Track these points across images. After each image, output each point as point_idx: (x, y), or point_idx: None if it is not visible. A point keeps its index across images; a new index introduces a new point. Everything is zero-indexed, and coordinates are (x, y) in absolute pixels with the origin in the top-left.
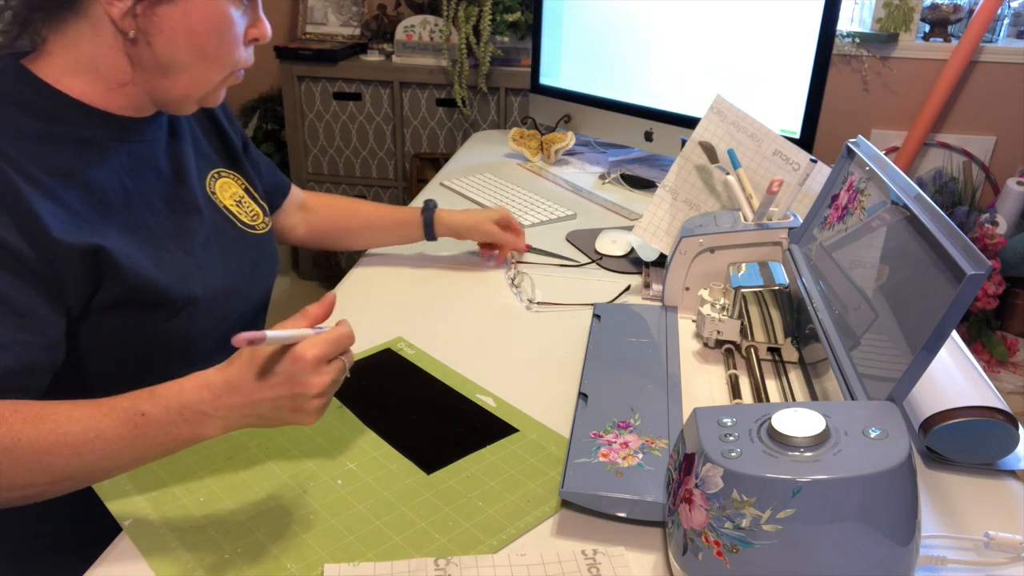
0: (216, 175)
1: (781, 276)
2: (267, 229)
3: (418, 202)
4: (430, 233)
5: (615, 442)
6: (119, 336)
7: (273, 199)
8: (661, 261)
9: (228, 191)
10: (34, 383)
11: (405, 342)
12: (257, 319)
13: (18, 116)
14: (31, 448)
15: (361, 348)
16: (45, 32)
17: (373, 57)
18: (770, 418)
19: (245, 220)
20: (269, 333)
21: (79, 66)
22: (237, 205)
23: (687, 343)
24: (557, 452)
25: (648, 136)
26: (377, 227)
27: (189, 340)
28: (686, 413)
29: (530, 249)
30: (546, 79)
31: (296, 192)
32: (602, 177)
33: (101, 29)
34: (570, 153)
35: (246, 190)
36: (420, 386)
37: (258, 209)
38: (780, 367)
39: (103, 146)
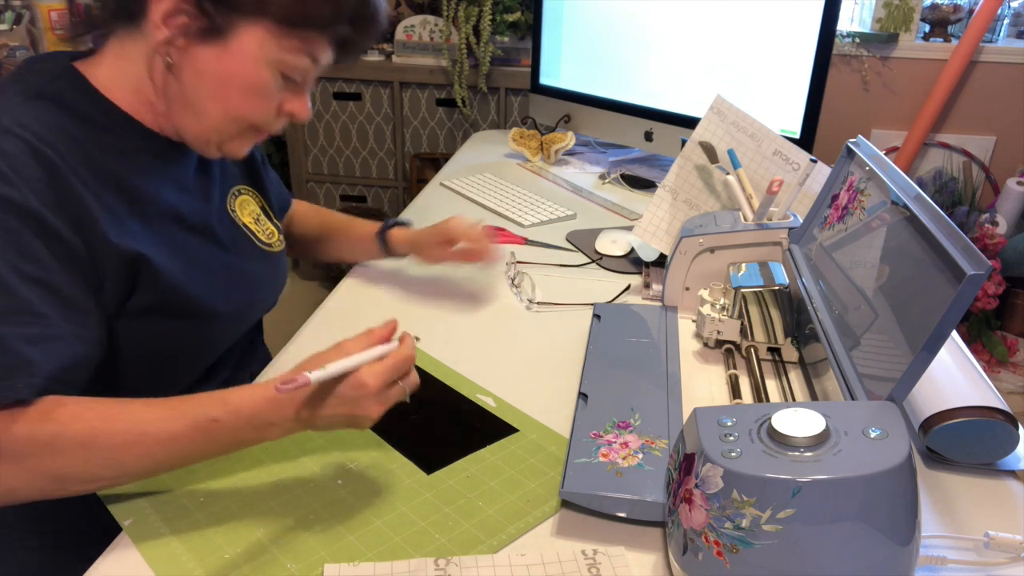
0: (237, 192)
1: (781, 276)
2: (281, 248)
3: (419, 202)
4: (389, 249)
5: (615, 442)
6: (138, 341)
7: (279, 214)
8: (661, 261)
9: (247, 208)
10: (82, 378)
11: None
12: (257, 327)
13: (72, 122)
14: (107, 445)
15: None
16: (105, 38)
17: (373, 57)
18: (770, 418)
19: (262, 239)
20: (313, 375)
21: (128, 80)
22: (255, 223)
23: (687, 343)
24: (557, 452)
25: (648, 136)
26: (340, 240)
27: (201, 348)
28: (686, 413)
29: (527, 242)
30: (546, 79)
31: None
32: (602, 177)
33: (150, 50)
34: (570, 153)
35: (263, 208)
36: (420, 386)
37: (273, 227)
38: (780, 367)
39: (143, 160)
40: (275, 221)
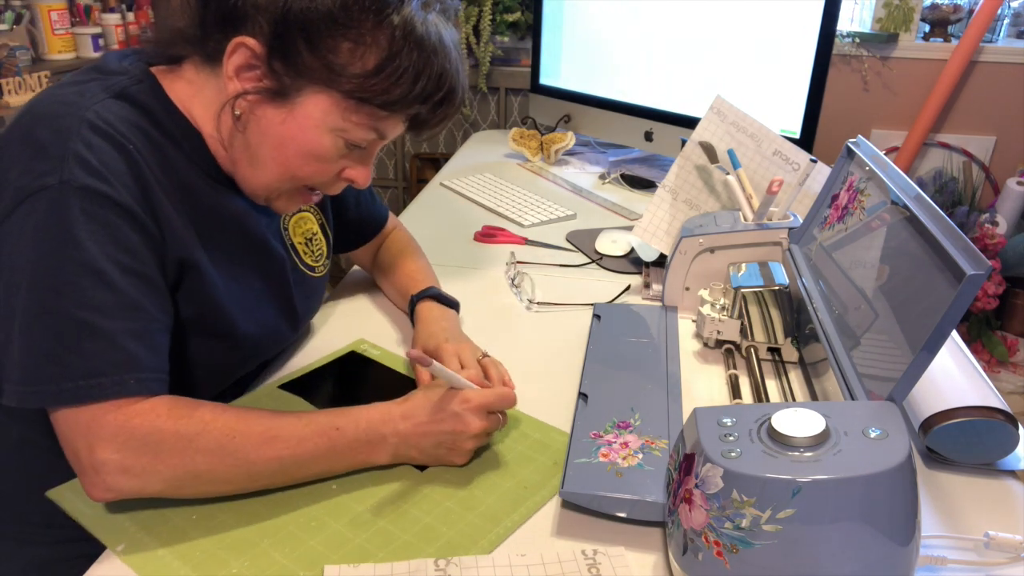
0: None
1: (781, 276)
2: (325, 272)
3: (419, 202)
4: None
5: (615, 442)
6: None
7: (363, 230)
8: (661, 261)
9: (301, 227)
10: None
11: (368, 343)
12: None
13: (149, 125)
14: (243, 445)
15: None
16: (188, 56)
17: None
18: (770, 418)
19: (309, 261)
20: (434, 363)
21: (201, 107)
22: (306, 244)
23: (687, 343)
24: (542, 438)
25: (648, 136)
26: (392, 291)
27: (219, 371)
28: (686, 413)
29: (527, 242)
30: (546, 79)
31: (389, 223)
32: (602, 177)
33: (223, 93)
34: (570, 153)
35: (321, 226)
36: (399, 387)
37: (324, 248)
38: (780, 367)
39: (205, 176)
40: (330, 240)
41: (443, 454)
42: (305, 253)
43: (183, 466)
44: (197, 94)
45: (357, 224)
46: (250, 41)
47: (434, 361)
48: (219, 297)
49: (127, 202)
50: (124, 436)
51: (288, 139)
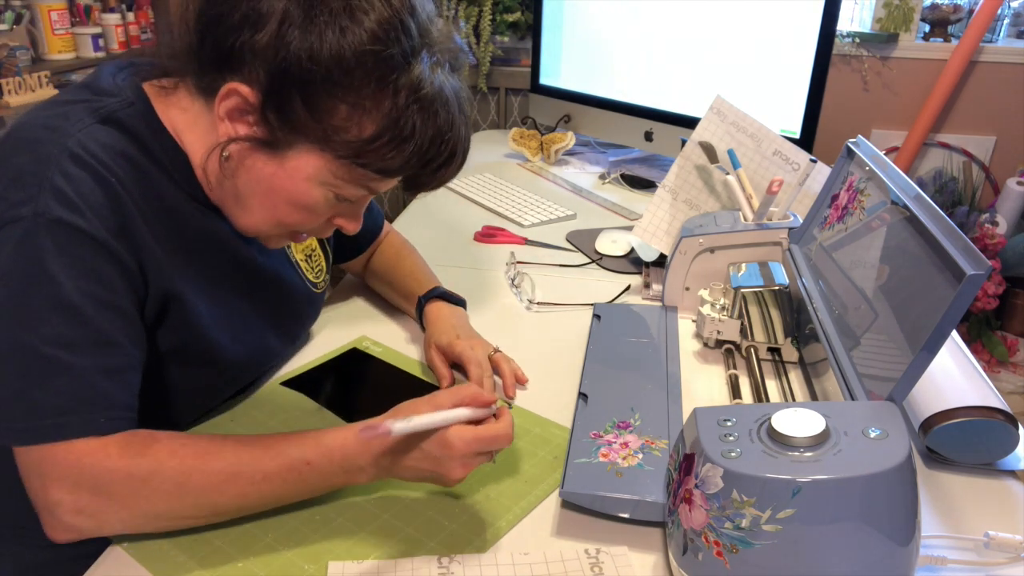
0: None
1: (781, 276)
2: (325, 287)
3: (419, 202)
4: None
5: (615, 442)
6: (144, 382)
7: (360, 241)
8: (661, 261)
9: (302, 244)
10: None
11: (370, 340)
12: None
13: (136, 151)
14: (201, 485)
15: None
16: (183, 79)
17: None
18: (770, 418)
19: (310, 277)
20: (395, 427)
21: (194, 135)
22: (307, 260)
23: (687, 343)
24: (543, 433)
25: (648, 136)
26: (393, 295)
27: (203, 392)
28: (686, 413)
29: (527, 242)
30: (546, 79)
31: (384, 231)
32: (602, 177)
33: (214, 128)
34: (570, 153)
35: (321, 242)
36: (401, 383)
37: (324, 264)
38: (780, 367)
39: (193, 200)
40: (329, 255)
41: (429, 481)
42: (307, 269)
43: (139, 507)
44: (191, 124)
45: (354, 236)
46: (244, 89)
47: (396, 423)
48: (204, 326)
49: (102, 236)
50: (74, 476)
51: (278, 189)
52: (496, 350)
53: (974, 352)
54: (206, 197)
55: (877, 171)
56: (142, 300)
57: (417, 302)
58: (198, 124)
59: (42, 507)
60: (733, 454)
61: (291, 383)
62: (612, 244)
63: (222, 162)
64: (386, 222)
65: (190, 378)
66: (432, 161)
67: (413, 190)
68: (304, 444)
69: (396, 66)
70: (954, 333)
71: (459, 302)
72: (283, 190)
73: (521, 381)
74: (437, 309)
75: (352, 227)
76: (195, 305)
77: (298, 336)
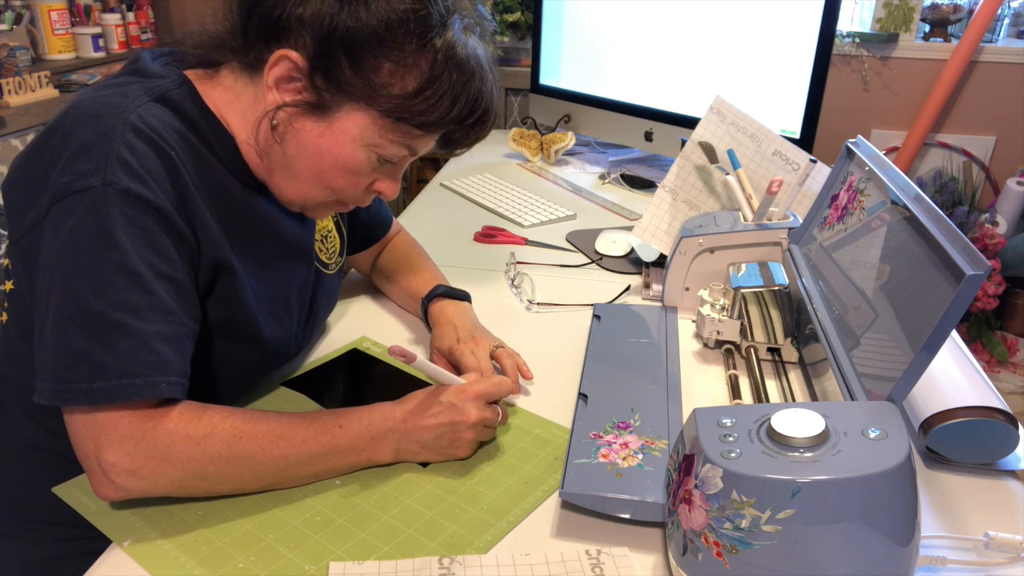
0: None
1: (781, 276)
2: (338, 268)
3: (419, 202)
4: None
5: (615, 442)
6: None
7: (371, 232)
8: (661, 261)
9: (318, 225)
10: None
11: (371, 341)
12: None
13: (188, 130)
14: (249, 446)
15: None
16: (226, 62)
17: None
18: (770, 418)
19: (323, 259)
20: (420, 358)
21: (239, 116)
22: (321, 241)
23: (687, 343)
24: (543, 434)
25: (648, 136)
26: (399, 294)
27: (243, 371)
28: (686, 413)
29: (527, 242)
30: (546, 79)
31: (393, 227)
32: (602, 177)
33: (261, 102)
34: (570, 153)
35: (336, 224)
36: (401, 384)
37: (338, 245)
38: (780, 367)
39: (238, 181)
40: (344, 237)
41: (444, 447)
42: (320, 251)
43: (191, 468)
44: (233, 101)
45: (367, 224)
46: (293, 55)
47: (417, 356)
48: (248, 301)
49: (165, 207)
50: (136, 439)
51: (324, 152)
52: (500, 345)
53: (974, 352)
54: (250, 177)
55: (877, 171)
56: (196, 270)
57: (421, 303)
58: (240, 101)
59: (93, 467)
60: (733, 455)
61: (292, 383)
62: (612, 244)
63: (272, 131)
64: (397, 221)
65: (232, 354)
66: (468, 117)
67: (449, 148)
68: (336, 412)
69: (434, 25)
70: (954, 333)
71: (463, 296)
72: (330, 152)
73: (525, 376)
74: (440, 309)
75: (391, 190)
76: (241, 279)
77: (317, 322)
